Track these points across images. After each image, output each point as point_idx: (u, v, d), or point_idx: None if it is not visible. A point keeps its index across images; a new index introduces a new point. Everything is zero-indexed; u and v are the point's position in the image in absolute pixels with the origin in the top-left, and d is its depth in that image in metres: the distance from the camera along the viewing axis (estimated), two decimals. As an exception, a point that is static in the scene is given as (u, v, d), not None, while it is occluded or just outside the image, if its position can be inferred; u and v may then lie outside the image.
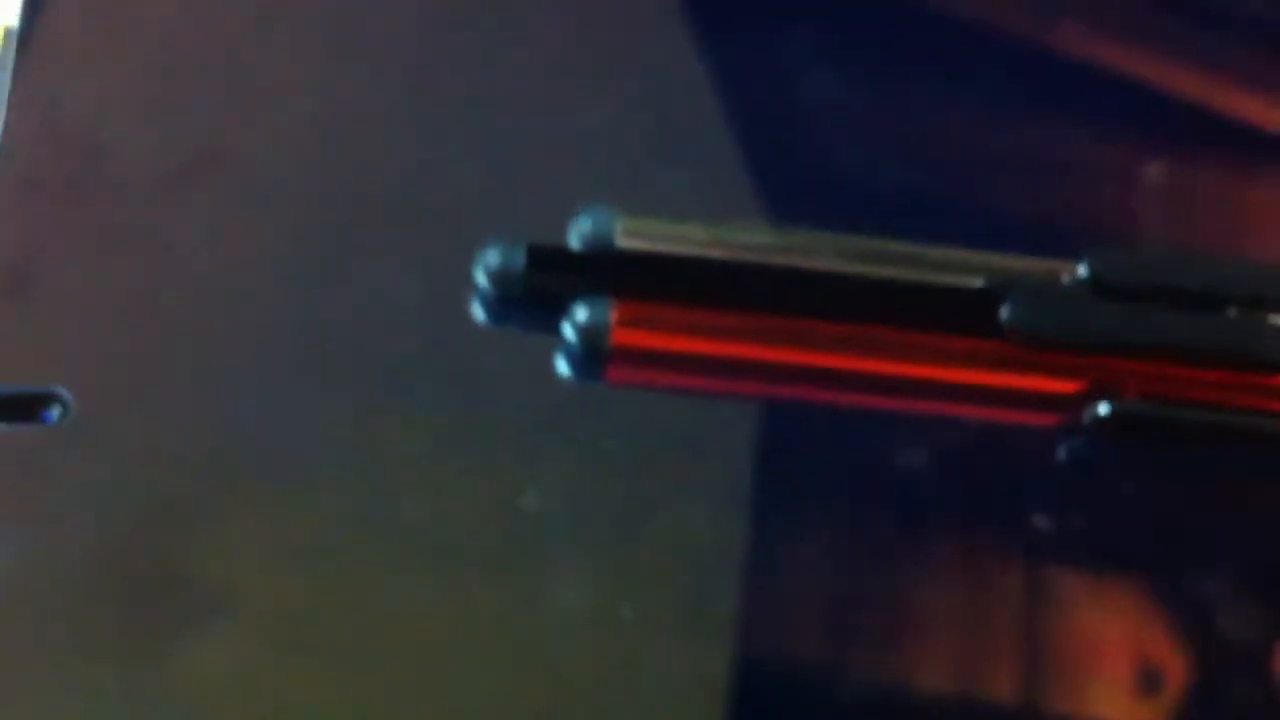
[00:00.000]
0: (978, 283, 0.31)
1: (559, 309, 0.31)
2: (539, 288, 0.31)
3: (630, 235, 0.31)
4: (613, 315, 0.30)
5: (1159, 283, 0.31)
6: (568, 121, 0.36)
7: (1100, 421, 0.31)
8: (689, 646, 0.30)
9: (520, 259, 0.31)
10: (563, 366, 0.31)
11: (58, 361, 0.31)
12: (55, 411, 0.30)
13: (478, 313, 0.32)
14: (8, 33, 0.34)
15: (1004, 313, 0.31)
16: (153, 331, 0.32)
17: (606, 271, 0.31)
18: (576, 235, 0.31)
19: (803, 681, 0.30)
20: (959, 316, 0.31)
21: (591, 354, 0.31)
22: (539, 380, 0.32)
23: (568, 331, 0.31)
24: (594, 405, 0.32)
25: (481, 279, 0.31)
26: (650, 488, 0.31)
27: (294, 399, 0.31)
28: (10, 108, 0.33)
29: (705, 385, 0.31)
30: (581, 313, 0.31)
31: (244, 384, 0.32)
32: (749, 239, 0.31)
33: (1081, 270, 0.31)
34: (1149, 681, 0.30)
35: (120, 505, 0.30)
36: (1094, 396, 0.31)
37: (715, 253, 0.31)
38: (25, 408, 0.30)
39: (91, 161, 0.34)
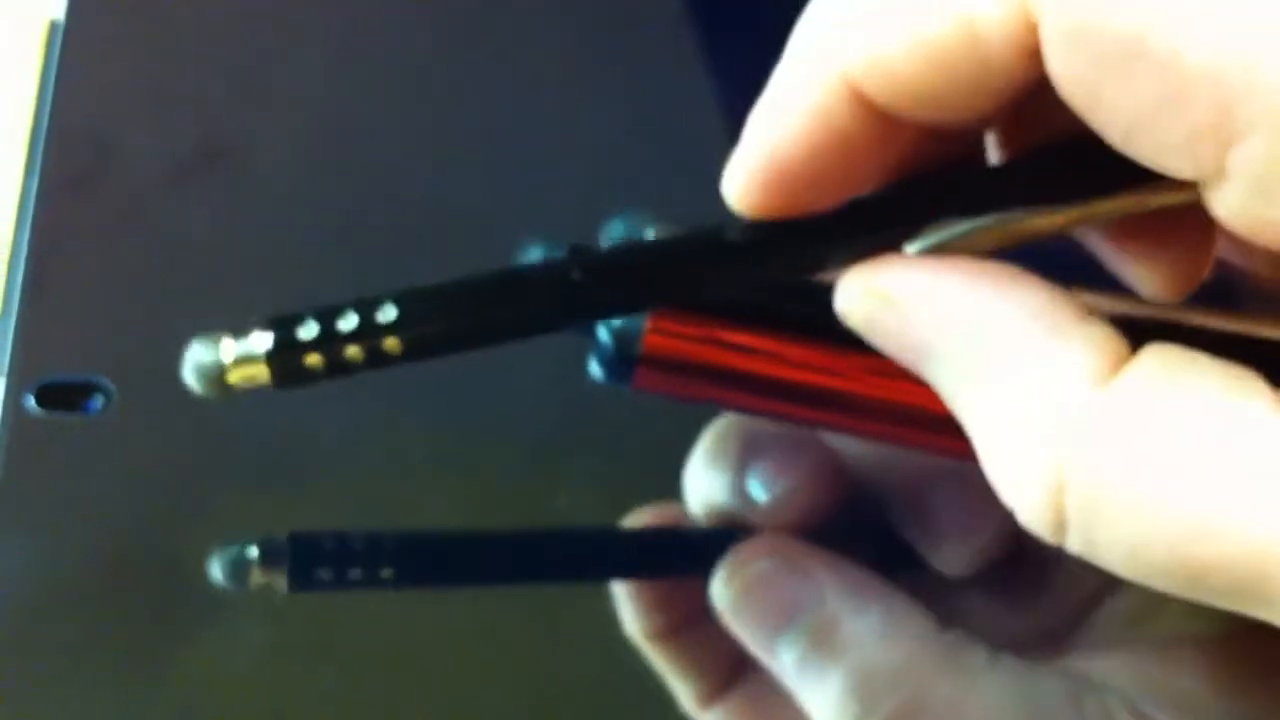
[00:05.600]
0: None
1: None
2: None
3: None
4: (647, 321, 0.30)
5: None
6: (588, 126, 0.36)
7: None
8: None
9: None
10: (594, 369, 0.31)
11: (92, 353, 0.31)
12: (98, 401, 0.31)
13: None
14: (53, 25, 0.34)
15: None
16: (184, 327, 0.32)
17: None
18: (608, 241, 0.31)
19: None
20: None
21: (622, 358, 0.31)
22: (567, 384, 0.32)
23: (601, 333, 0.31)
24: (624, 409, 0.32)
25: None
26: (679, 492, 0.31)
27: (317, 398, 0.32)
28: (51, 102, 0.34)
29: (729, 401, 0.31)
30: None
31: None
32: None
33: None
34: None
35: (147, 497, 0.30)
36: None
37: None
38: (69, 397, 0.31)
39: (119, 155, 0.34)
